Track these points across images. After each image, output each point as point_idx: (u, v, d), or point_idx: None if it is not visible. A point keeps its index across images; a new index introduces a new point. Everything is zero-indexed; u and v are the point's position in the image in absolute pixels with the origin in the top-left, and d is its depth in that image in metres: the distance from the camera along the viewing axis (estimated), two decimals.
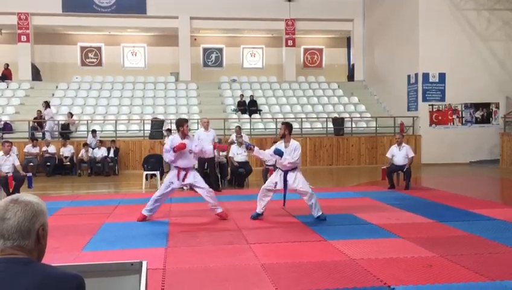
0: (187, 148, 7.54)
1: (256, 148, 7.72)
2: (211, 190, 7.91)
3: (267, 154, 7.92)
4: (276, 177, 7.68)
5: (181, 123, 7.74)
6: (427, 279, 4.64)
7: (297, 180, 7.51)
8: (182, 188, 11.71)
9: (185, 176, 7.64)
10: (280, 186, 7.58)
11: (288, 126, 7.75)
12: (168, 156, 7.62)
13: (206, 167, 11.29)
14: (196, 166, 10.22)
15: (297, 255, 5.57)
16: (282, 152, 7.42)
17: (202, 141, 10.83)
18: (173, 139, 7.69)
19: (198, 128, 17.79)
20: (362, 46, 23.51)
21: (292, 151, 7.52)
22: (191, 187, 7.97)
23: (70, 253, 5.77)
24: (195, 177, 7.76)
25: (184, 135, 7.68)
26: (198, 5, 22.23)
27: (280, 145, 7.65)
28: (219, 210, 7.81)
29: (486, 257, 5.39)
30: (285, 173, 7.53)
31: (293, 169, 7.56)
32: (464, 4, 18.49)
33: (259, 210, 7.69)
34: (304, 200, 7.63)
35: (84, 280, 1.83)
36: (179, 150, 7.45)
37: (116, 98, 20.94)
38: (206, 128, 11.10)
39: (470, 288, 4.42)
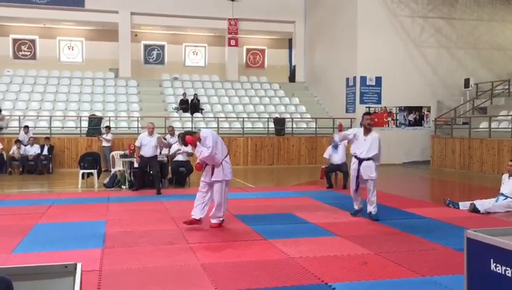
0: None
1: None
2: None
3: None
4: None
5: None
6: (363, 276, 4.80)
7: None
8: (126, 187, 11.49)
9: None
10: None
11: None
12: None
13: (148, 168, 11.02)
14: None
15: (237, 255, 5.60)
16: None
17: (145, 146, 10.73)
18: None
19: (138, 129, 17.52)
20: (303, 48, 23.93)
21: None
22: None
23: None
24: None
25: None
26: (139, 0, 21.79)
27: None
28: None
29: (417, 254, 5.65)
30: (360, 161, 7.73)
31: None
32: (399, 11, 19.28)
33: (357, 206, 7.94)
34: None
35: (13, 284, 1.74)
36: None
37: (51, 93, 20.12)
38: (151, 133, 10.91)
39: (402, 284, 4.61)
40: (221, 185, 6.98)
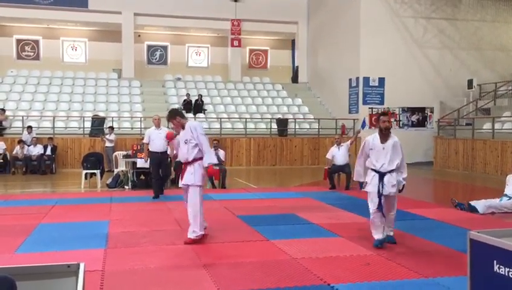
0: None
1: None
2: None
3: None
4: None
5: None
6: (365, 277, 4.79)
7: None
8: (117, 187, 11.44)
9: None
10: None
11: None
12: None
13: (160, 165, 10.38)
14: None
15: (240, 255, 5.59)
16: None
17: (154, 140, 10.11)
18: None
19: (141, 130, 17.54)
20: (306, 48, 23.94)
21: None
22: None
23: (2, 255, 5.51)
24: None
25: None
26: (142, 1, 21.83)
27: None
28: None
29: (420, 255, 5.63)
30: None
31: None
32: (402, 12, 19.26)
33: (380, 235, 6.05)
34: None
35: (16, 283, 1.75)
36: None
37: (55, 93, 20.18)
38: (158, 126, 10.42)
39: (405, 285, 4.60)
40: (196, 191, 6.16)
